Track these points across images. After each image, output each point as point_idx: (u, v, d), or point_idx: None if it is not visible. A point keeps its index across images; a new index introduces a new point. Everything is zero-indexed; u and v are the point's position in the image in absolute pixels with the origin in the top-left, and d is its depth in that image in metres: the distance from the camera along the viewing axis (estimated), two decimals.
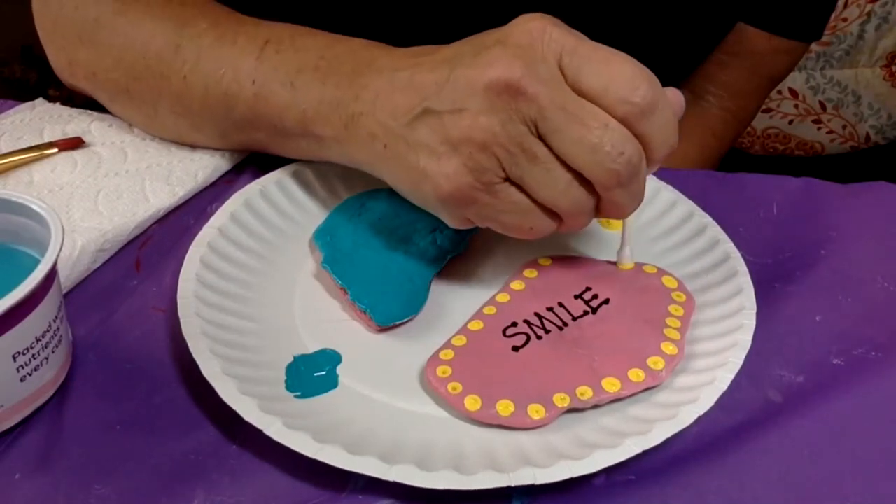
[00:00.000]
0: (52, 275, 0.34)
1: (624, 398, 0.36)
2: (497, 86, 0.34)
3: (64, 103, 0.57)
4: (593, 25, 0.57)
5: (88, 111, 0.56)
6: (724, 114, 0.65)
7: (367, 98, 0.38)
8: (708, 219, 0.45)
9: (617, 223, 0.47)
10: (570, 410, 0.35)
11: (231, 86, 0.45)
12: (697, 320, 0.39)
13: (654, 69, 0.36)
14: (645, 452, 0.33)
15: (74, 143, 0.51)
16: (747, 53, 0.62)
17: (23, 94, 0.61)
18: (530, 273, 0.42)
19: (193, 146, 0.51)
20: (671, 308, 0.39)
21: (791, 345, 0.40)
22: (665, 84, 0.35)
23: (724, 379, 0.35)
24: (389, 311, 0.39)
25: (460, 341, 0.38)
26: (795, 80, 1.02)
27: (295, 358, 0.38)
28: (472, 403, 0.35)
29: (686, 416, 0.34)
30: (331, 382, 0.37)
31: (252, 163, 0.52)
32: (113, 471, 0.34)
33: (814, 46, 0.99)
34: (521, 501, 0.33)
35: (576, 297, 0.40)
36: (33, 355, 0.34)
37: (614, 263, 0.42)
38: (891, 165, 1.05)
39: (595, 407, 0.36)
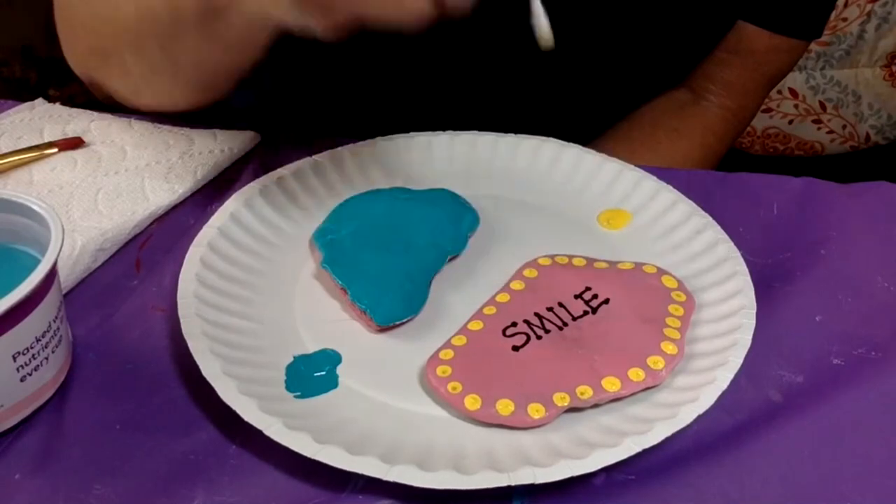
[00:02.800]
0: (52, 275, 0.34)
1: (624, 398, 0.36)
2: None
3: (64, 103, 0.57)
4: (595, 24, 0.57)
5: (88, 111, 0.56)
6: (724, 113, 0.65)
7: None
8: (708, 219, 0.45)
9: (617, 223, 0.47)
10: (570, 410, 0.35)
11: None
12: (697, 320, 0.39)
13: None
14: (645, 452, 0.33)
15: (74, 143, 0.51)
16: (748, 52, 0.62)
17: (23, 94, 0.61)
18: (530, 273, 0.42)
19: (171, 101, 0.51)
20: (671, 308, 0.39)
21: (791, 345, 0.40)
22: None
23: (724, 378, 0.35)
24: (389, 311, 0.39)
25: (460, 341, 0.38)
26: (795, 80, 1.02)
27: (295, 358, 0.38)
28: (472, 403, 0.35)
29: (686, 416, 0.34)
30: (331, 382, 0.37)
31: (252, 163, 0.52)
32: (113, 471, 0.34)
33: (814, 46, 0.99)
34: (521, 501, 0.33)
35: (576, 297, 0.40)
36: (33, 355, 0.34)
37: (614, 263, 0.42)
38: (891, 165, 1.05)
39: (595, 406, 0.36)
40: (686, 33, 0.60)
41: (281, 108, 0.69)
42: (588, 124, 0.64)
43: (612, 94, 0.64)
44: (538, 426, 0.35)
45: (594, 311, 0.39)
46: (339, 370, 0.38)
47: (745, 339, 0.37)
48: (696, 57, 0.64)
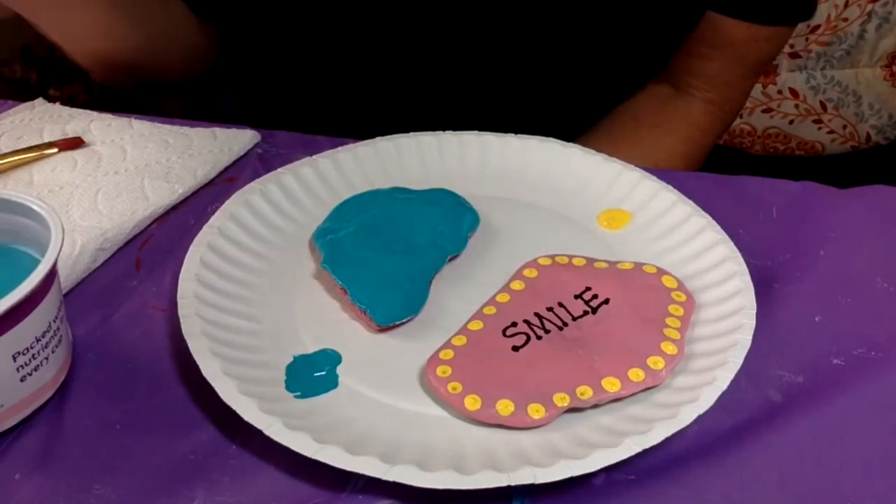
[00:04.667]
0: (52, 275, 0.34)
1: (624, 398, 0.36)
2: None
3: (64, 103, 0.57)
4: (564, 17, 0.57)
5: (88, 111, 0.56)
6: (708, 106, 0.64)
7: None
8: (708, 219, 0.45)
9: (617, 223, 0.47)
10: (570, 410, 0.35)
11: None
12: (697, 320, 0.39)
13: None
14: (645, 452, 0.33)
15: (74, 143, 0.51)
16: (727, 44, 0.61)
17: (23, 94, 0.62)
18: (530, 273, 0.42)
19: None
20: (671, 308, 0.39)
21: (791, 345, 0.40)
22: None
23: (723, 379, 0.35)
24: (389, 311, 0.39)
25: (460, 341, 0.38)
26: (796, 80, 1.02)
27: (295, 358, 0.38)
28: (472, 403, 0.35)
29: (686, 416, 0.34)
30: (331, 382, 0.37)
31: (252, 163, 0.52)
32: (113, 471, 0.34)
33: (814, 46, 0.99)
34: (521, 501, 0.33)
35: (576, 297, 0.40)
36: (33, 355, 0.34)
37: (614, 263, 0.42)
38: (891, 166, 1.05)
39: (595, 406, 0.36)
40: (654, 24, 0.59)
41: (271, 109, 0.69)
42: (570, 121, 0.63)
43: (592, 89, 0.63)
44: (538, 426, 0.35)
45: (594, 311, 0.39)
46: (339, 370, 0.38)
47: (745, 339, 0.37)
48: (668, 48, 0.62)
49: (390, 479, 0.31)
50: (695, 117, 0.64)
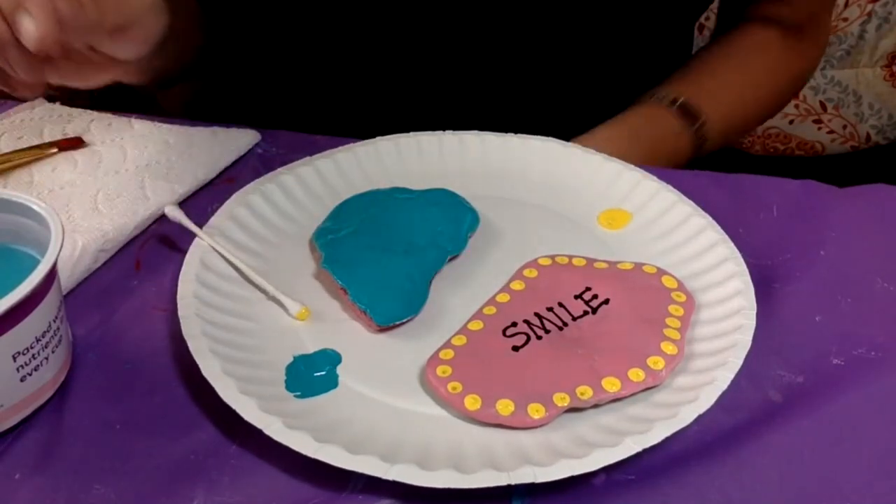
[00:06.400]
0: (52, 275, 0.34)
1: (624, 398, 0.36)
2: None
3: (64, 103, 0.57)
4: (569, 17, 0.57)
5: (88, 111, 0.56)
6: (788, 41, 0.66)
7: None
8: (708, 219, 0.45)
9: (617, 223, 0.47)
10: (570, 410, 0.35)
11: None
12: (697, 320, 0.39)
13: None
14: (645, 452, 0.33)
15: (74, 143, 0.51)
16: None
17: None
18: (530, 273, 0.42)
19: None
20: (671, 308, 0.39)
21: (791, 345, 0.40)
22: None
23: (723, 379, 0.35)
24: (389, 311, 0.39)
25: (460, 341, 0.38)
26: None
27: (295, 358, 0.38)
28: (472, 403, 0.35)
29: (686, 416, 0.34)
30: (331, 382, 0.37)
31: (252, 163, 0.52)
32: (113, 471, 0.34)
33: None
34: (521, 500, 0.33)
35: (576, 297, 0.40)
36: (33, 355, 0.34)
37: (614, 263, 0.42)
38: (891, 166, 1.05)
39: (595, 406, 0.36)
40: (666, 25, 0.59)
41: (271, 109, 0.69)
42: (574, 122, 0.64)
43: (596, 92, 0.63)
44: (538, 426, 0.35)
45: (594, 311, 0.39)
46: (339, 370, 0.38)
47: (744, 339, 0.37)
48: (678, 49, 0.63)
49: (390, 478, 0.31)
50: (775, 52, 0.67)
